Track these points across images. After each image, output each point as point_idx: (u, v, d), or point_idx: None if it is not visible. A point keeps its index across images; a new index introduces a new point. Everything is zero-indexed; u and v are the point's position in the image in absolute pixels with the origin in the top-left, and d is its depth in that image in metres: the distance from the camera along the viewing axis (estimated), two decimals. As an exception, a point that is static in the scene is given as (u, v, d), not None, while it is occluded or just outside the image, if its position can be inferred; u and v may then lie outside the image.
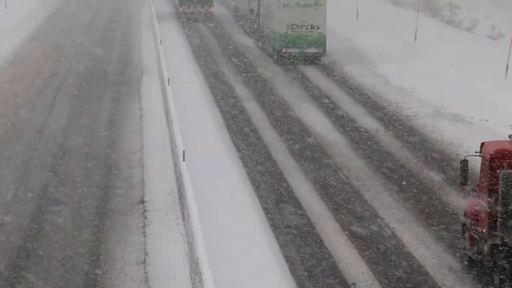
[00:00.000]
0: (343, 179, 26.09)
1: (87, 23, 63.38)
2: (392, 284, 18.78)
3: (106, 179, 25.79)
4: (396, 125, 32.81)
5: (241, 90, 39.33)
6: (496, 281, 17.37)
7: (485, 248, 17.93)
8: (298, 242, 21.09)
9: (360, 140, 30.65)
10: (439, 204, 24.03)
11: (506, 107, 35.05)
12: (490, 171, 18.02)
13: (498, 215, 17.53)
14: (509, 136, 18.63)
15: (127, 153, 28.54)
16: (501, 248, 17.15)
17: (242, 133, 31.47)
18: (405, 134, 31.56)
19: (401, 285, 18.75)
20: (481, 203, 18.66)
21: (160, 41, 46.66)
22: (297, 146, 29.68)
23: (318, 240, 21.20)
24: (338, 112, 34.95)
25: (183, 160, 23.65)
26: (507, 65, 40.70)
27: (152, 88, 38.70)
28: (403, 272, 19.40)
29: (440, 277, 19.08)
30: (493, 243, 17.59)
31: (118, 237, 21.12)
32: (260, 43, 52.32)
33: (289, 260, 19.95)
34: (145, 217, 22.41)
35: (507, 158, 17.66)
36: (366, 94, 38.52)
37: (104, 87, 39.22)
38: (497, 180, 17.53)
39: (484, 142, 18.99)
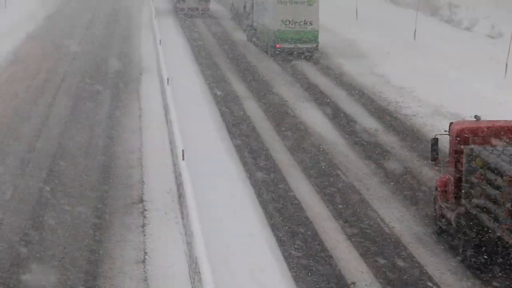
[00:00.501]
0: (342, 178, 26.10)
1: (87, 22, 63.39)
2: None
3: (105, 178, 25.79)
4: (395, 125, 32.81)
5: (241, 89, 39.31)
6: (460, 247, 19.36)
7: (452, 217, 19.89)
8: (298, 242, 21.11)
9: (359, 139, 30.63)
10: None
11: (506, 107, 35.05)
12: (456, 148, 20.04)
13: (462, 186, 19.27)
14: (474, 117, 21.04)
15: (126, 153, 28.54)
16: (464, 216, 19.05)
17: (241, 133, 31.45)
18: (405, 133, 31.57)
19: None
20: (449, 177, 20.56)
21: (160, 40, 46.68)
22: (295, 144, 29.70)
23: (317, 239, 21.22)
24: (337, 111, 34.94)
25: (183, 159, 23.65)
26: (507, 64, 40.73)
27: (152, 88, 38.71)
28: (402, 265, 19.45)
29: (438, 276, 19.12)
30: (458, 212, 19.52)
31: (117, 236, 21.13)
32: (254, 39, 53.17)
33: (288, 260, 19.96)
34: (145, 216, 22.42)
35: (471, 135, 19.72)
36: (366, 94, 38.51)
37: (103, 87, 39.21)
38: (462, 155, 19.36)
39: (452, 122, 21.25)
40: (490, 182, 17.91)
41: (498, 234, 17.62)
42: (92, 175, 26.02)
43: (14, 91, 37.96)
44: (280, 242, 20.98)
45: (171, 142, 27.97)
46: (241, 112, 34.64)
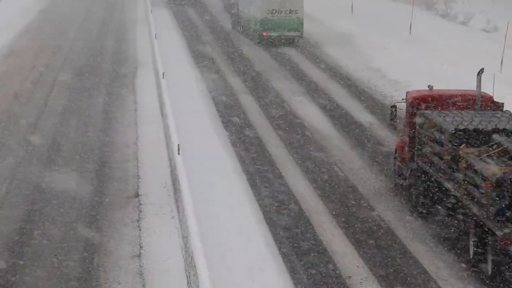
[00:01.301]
0: (337, 173, 26.10)
1: (82, 16, 63.28)
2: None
3: (100, 172, 25.77)
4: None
5: (236, 84, 39.28)
6: (413, 198, 22.34)
7: (407, 173, 23.02)
8: (293, 237, 21.11)
9: (354, 133, 30.63)
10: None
11: (502, 100, 35.04)
12: (410, 113, 23.11)
13: (415, 145, 22.46)
14: (428, 86, 23.88)
15: (121, 147, 28.52)
16: (417, 172, 22.11)
17: (236, 126, 31.44)
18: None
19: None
20: (405, 138, 23.68)
21: (155, 35, 46.61)
22: (291, 139, 29.71)
23: (313, 234, 21.22)
24: (333, 105, 34.93)
25: (178, 153, 23.63)
26: (502, 58, 40.75)
27: (147, 82, 38.67)
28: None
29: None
30: (411, 168, 22.57)
31: (113, 230, 21.11)
32: (238, 27, 55.19)
33: (284, 255, 19.96)
34: (140, 211, 22.41)
35: (423, 102, 22.93)
36: (361, 88, 38.50)
37: (98, 81, 39.18)
38: (415, 120, 22.41)
39: (408, 91, 24.42)
40: (435, 140, 20.94)
41: (444, 186, 20.39)
42: (87, 169, 25.98)
43: (9, 84, 37.90)
44: (275, 237, 20.97)
45: (167, 136, 27.94)
46: (236, 105, 34.63)
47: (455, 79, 39.21)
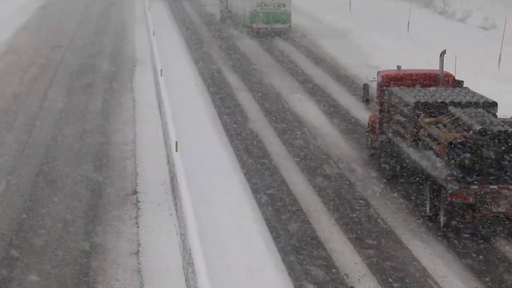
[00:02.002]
0: (336, 170, 26.13)
1: (81, 14, 63.28)
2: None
3: (98, 170, 25.79)
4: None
5: (234, 81, 39.30)
6: (382, 165, 25.52)
7: (377, 144, 26.06)
8: (292, 234, 21.15)
9: (352, 130, 30.67)
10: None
11: (499, 98, 35.05)
12: (381, 90, 25.91)
13: (384, 119, 25.31)
14: (397, 67, 26.99)
15: (120, 144, 28.53)
16: (385, 143, 25.18)
17: (234, 122, 31.47)
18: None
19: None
20: (376, 114, 26.47)
21: (153, 32, 46.61)
22: (289, 136, 29.75)
23: (312, 231, 21.27)
24: (331, 103, 34.94)
25: (176, 151, 23.65)
26: (500, 56, 40.79)
27: (145, 79, 38.68)
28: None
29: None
30: (381, 140, 25.56)
31: (111, 227, 21.14)
32: (228, 20, 57.42)
33: (282, 251, 20.00)
34: (138, 208, 22.43)
35: (391, 80, 25.72)
36: (360, 85, 38.45)
37: (96, 78, 39.19)
38: (384, 96, 25.33)
39: (378, 71, 27.44)
40: (401, 113, 23.87)
41: (407, 152, 23.04)
42: (85, 167, 26.01)
43: (7, 81, 37.89)
44: (275, 235, 21.00)
45: (165, 134, 27.96)
46: (234, 101, 34.66)
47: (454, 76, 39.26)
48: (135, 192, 23.68)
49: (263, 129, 30.69)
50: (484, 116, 21.37)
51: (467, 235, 20.60)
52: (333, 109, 33.81)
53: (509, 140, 20.26)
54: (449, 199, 20.17)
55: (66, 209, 22.35)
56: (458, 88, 24.93)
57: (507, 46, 42.03)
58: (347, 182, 25.02)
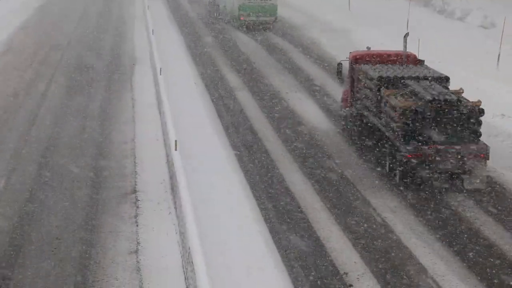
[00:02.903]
0: (334, 168, 26.16)
1: (80, 12, 63.25)
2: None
3: (98, 169, 25.80)
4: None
5: (233, 79, 39.32)
6: (352, 135, 28.91)
7: (348, 116, 29.48)
8: (291, 232, 21.18)
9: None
10: (438, 203, 24.17)
11: (498, 96, 35.14)
12: (351, 68, 29.16)
13: (353, 93, 28.73)
14: (366, 47, 30.73)
15: (119, 143, 28.55)
16: (354, 115, 28.54)
17: (233, 121, 31.49)
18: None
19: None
20: (347, 89, 29.74)
21: (152, 30, 46.61)
22: (286, 134, 29.77)
23: (311, 230, 21.30)
24: (330, 101, 34.95)
25: (175, 150, 23.67)
26: (499, 55, 40.81)
27: (144, 78, 38.68)
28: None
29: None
30: (351, 112, 28.95)
31: (110, 226, 21.17)
32: (215, 13, 60.25)
33: (281, 248, 20.04)
34: (137, 207, 22.45)
35: (360, 59, 28.96)
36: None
37: (96, 77, 39.19)
38: (354, 72, 28.68)
39: (350, 52, 30.37)
40: (367, 86, 27.18)
41: (371, 121, 26.48)
42: (85, 165, 26.02)
43: (6, 81, 37.90)
44: (273, 233, 21.03)
45: (164, 133, 27.97)
46: (233, 100, 34.69)
47: (452, 75, 39.22)
48: (134, 191, 23.69)
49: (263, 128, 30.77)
50: (435, 88, 24.82)
51: (419, 188, 24.04)
52: (332, 105, 33.85)
53: (454, 108, 23.70)
54: (403, 158, 23.60)
55: (65, 207, 22.36)
56: (418, 65, 28.39)
57: (506, 45, 42.05)
58: (349, 182, 25.10)
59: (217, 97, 35.68)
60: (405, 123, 23.76)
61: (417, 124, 23.73)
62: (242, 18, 53.85)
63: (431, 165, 23.60)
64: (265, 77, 39.89)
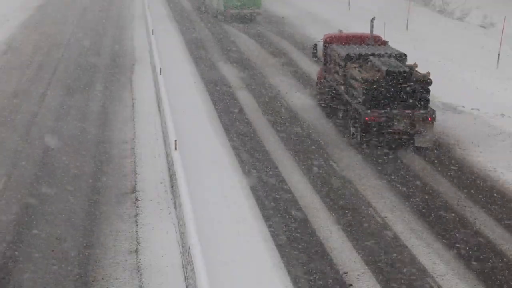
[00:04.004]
0: (334, 168, 26.17)
1: (80, 12, 63.24)
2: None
3: (98, 168, 25.82)
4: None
5: (232, 78, 39.33)
6: (325, 105, 33.14)
7: (322, 90, 33.57)
8: (291, 230, 21.19)
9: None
10: (433, 199, 24.17)
11: (497, 96, 35.19)
12: (325, 48, 33.12)
13: (326, 70, 32.80)
14: (339, 30, 36.45)
15: (119, 143, 28.56)
16: (327, 86, 32.71)
17: (232, 121, 31.48)
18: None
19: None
20: (322, 67, 33.89)
21: (152, 30, 46.60)
22: (285, 133, 29.79)
23: (310, 228, 21.31)
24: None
25: (175, 149, 23.67)
26: (499, 54, 40.82)
27: (144, 77, 38.68)
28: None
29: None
30: (324, 85, 33.13)
31: (110, 226, 21.18)
32: (201, 7, 63.97)
33: (280, 247, 20.05)
34: (137, 206, 22.46)
35: (333, 40, 32.98)
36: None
37: (96, 76, 39.19)
38: (327, 51, 32.78)
39: (324, 34, 34.73)
40: (336, 63, 31.12)
41: (341, 93, 30.37)
42: (85, 165, 26.04)
43: (6, 80, 37.90)
44: (273, 232, 21.05)
45: (164, 132, 27.98)
46: (233, 100, 34.70)
47: (452, 74, 39.32)
48: (134, 191, 23.71)
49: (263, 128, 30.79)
50: (392, 62, 28.43)
51: (378, 147, 28.12)
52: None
53: (406, 78, 27.34)
54: (363, 121, 27.50)
55: (65, 207, 22.37)
56: (383, 45, 32.07)
57: (505, 44, 42.08)
58: (349, 182, 25.15)
59: (217, 96, 35.68)
60: (365, 92, 27.47)
61: (375, 92, 27.44)
62: (227, 11, 57.06)
63: (386, 127, 27.50)
64: (266, 77, 40.00)
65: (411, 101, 27.49)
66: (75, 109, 32.98)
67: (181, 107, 32.11)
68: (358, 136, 28.19)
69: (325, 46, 32.99)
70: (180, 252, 19.38)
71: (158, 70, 35.55)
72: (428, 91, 27.64)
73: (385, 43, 32.62)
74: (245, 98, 35.44)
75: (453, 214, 22.56)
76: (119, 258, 19.32)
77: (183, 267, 18.58)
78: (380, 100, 27.47)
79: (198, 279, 15.88)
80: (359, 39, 32.97)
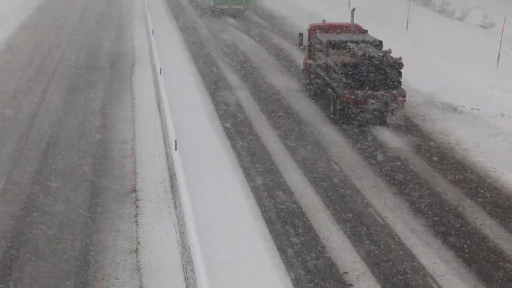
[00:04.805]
0: (335, 169, 26.17)
1: (80, 12, 63.23)
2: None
3: (98, 168, 25.81)
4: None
5: (232, 78, 39.33)
6: (309, 89, 36.10)
7: (306, 74, 36.72)
8: (290, 230, 21.19)
9: (352, 131, 30.68)
10: (429, 195, 24.18)
11: (497, 96, 35.18)
12: (309, 37, 36.17)
13: (311, 56, 35.90)
14: (322, 20, 38.20)
15: (119, 143, 28.55)
16: (311, 73, 35.69)
17: (233, 121, 31.49)
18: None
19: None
20: (307, 55, 36.71)
21: (152, 30, 46.59)
22: (284, 132, 29.80)
23: (310, 229, 21.31)
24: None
25: (175, 149, 23.67)
26: (499, 54, 40.82)
27: (144, 77, 38.67)
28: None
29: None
30: (310, 76, 35.85)
31: (110, 226, 21.18)
32: (193, 3, 67.94)
33: (280, 247, 20.06)
34: (137, 206, 22.46)
35: (317, 29, 35.95)
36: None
37: (96, 76, 39.18)
38: (311, 39, 35.85)
39: (310, 23, 37.60)
40: (319, 49, 34.33)
41: (323, 76, 33.35)
42: (85, 165, 26.03)
43: (6, 80, 37.89)
44: (272, 231, 21.05)
45: (164, 132, 27.98)
46: (233, 100, 34.71)
47: (452, 74, 39.31)
48: (134, 191, 23.71)
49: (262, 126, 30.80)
50: (368, 48, 31.51)
51: (353, 123, 31.13)
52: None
53: (380, 62, 30.31)
54: (341, 100, 30.54)
55: (65, 207, 22.37)
56: (362, 34, 35.25)
57: (505, 44, 42.08)
58: (350, 183, 25.18)
59: (217, 95, 35.68)
60: (343, 74, 30.46)
61: (352, 74, 30.42)
62: (216, 7, 60.25)
63: (362, 105, 30.47)
64: (263, 74, 40.02)
65: (384, 82, 30.42)
66: (75, 109, 32.97)
67: (181, 107, 32.19)
68: (337, 114, 31.14)
69: (310, 34, 36.10)
70: (180, 252, 19.38)
71: (158, 70, 35.55)
72: (400, 74, 30.51)
73: (364, 31, 35.88)
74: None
75: (453, 214, 22.56)
76: (119, 258, 19.32)
77: (183, 267, 18.58)
78: (356, 81, 30.45)
79: (198, 279, 15.88)
80: (341, 28, 36.28)
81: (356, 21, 37.51)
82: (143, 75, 39.43)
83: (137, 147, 28.00)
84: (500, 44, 41.22)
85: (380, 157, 27.30)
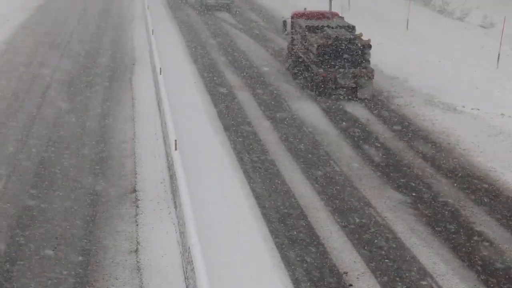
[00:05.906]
0: (334, 169, 26.17)
1: (80, 12, 63.23)
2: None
3: (97, 168, 25.81)
4: (387, 114, 32.87)
5: (233, 79, 39.36)
6: (291, 70, 39.68)
7: (290, 62, 40.41)
8: (290, 230, 21.19)
9: (351, 129, 30.71)
10: (427, 189, 24.17)
11: (497, 96, 35.18)
12: (292, 23, 40.07)
13: (293, 41, 39.76)
14: (304, 8, 42.45)
15: (119, 142, 28.55)
16: (293, 56, 39.83)
17: (232, 121, 31.51)
18: (397, 123, 31.64)
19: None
20: (290, 41, 40.73)
21: (152, 30, 46.58)
22: (284, 130, 29.81)
23: (309, 228, 21.31)
24: (330, 102, 34.96)
25: (175, 149, 23.68)
26: (499, 54, 40.83)
27: (144, 77, 38.67)
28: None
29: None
30: (292, 58, 40.04)
31: (110, 226, 21.18)
32: (184, 1, 70.18)
33: (280, 247, 20.06)
34: (137, 206, 22.46)
35: (298, 16, 40.49)
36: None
37: (96, 76, 39.18)
38: (293, 26, 39.84)
39: (293, 11, 41.98)
40: (299, 34, 38.24)
41: (303, 57, 37.29)
42: (85, 165, 26.03)
43: (6, 80, 37.89)
44: (273, 232, 21.05)
45: (164, 132, 27.98)
46: (232, 100, 34.73)
47: (452, 74, 39.31)
48: (134, 191, 23.71)
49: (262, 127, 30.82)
50: (341, 32, 35.82)
51: (329, 98, 35.15)
52: (331, 105, 33.87)
53: (351, 43, 34.72)
54: (317, 77, 34.91)
55: (65, 207, 22.37)
56: (338, 19, 39.51)
57: (505, 44, 42.08)
58: (349, 182, 25.19)
59: (217, 96, 35.71)
60: (318, 54, 34.86)
61: (326, 54, 34.89)
62: (206, 2, 63.70)
63: (335, 82, 34.73)
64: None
65: (354, 61, 34.77)
66: (75, 109, 32.97)
67: (181, 107, 32.20)
68: (314, 90, 35.39)
69: (292, 21, 40.18)
70: (180, 252, 19.38)
71: (158, 70, 35.54)
72: (369, 54, 35.01)
73: (341, 17, 40.57)
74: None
75: (453, 214, 22.57)
76: (119, 258, 19.32)
77: (183, 267, 18.58)
78: (330, 60, 34.89)
79: (198, 279, 15.89)
80: (320, 15, 40.82)
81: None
82: (143, 75, 39.43)
83: (137, 147, 28.00)
84: (500, 44, 41.22)
85: (379, 157, 27.30)
